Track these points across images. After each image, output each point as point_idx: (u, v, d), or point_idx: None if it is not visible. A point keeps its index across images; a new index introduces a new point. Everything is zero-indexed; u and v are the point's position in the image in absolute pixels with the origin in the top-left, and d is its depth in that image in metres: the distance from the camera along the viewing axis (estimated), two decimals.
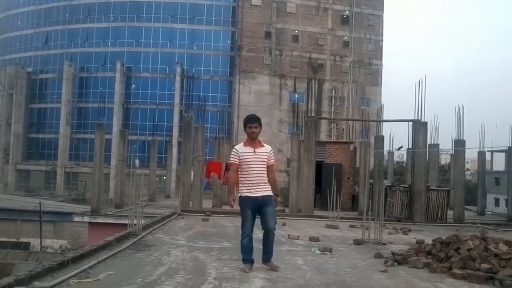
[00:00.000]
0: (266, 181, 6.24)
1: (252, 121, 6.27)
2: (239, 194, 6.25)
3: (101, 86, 54.30)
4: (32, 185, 54.32)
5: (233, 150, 6.43)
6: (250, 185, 6.15)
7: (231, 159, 6.36)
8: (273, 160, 6.38)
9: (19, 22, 60.27)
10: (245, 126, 6.33)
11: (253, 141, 6.27)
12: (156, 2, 54.45)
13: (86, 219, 19.68)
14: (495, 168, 37.60)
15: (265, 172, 6.26)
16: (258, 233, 6.56)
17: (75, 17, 56.24)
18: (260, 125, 6.33)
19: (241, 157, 6.21)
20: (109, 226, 17.45)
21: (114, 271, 5.95)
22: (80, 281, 5.31)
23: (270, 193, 6.22)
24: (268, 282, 5.65)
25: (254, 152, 6.19)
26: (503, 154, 32.12)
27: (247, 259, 6.21)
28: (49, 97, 57.14)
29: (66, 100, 54.19)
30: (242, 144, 6.37)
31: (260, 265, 6.29)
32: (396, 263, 7.27)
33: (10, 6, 61.06)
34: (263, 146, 6.32)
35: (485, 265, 6.34)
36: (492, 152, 32.75)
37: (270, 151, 6.35)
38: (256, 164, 6.18)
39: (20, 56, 59.30)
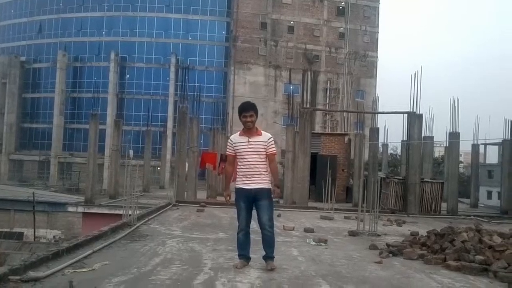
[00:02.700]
0: (263, 173, 5.82)
1: (247, 110, 5.81)
2: (235, 186, 5.99)
3: (95, 76, 53.89)
4: (25, 175, 54.01)
5: (228, 141, 6.06)
6: (244, 176, 5.81)
7: (227, 150, 6.05)
8: (273, 149, 5.89)
9: (12, 11, 59.59)
10: (240, 115, 5.85)
11: (249, 130, 5.84)
12: None
13: (80, 209, 19.65)
14: (488, 161, 37.86)
15: (262, 163, 5.83)
16: (255, 226, 6.25)
17: (69, 6, 55.65)
18: (256, 113, 5.86)
19: (235, 148, 5.86)
20: (103, 216, 17.43)
21: (109, 261, 5.94)
22: (75, 271, 5.30)
23: (266, 185, 5.83)
24: (264, 273, 5.64)
25: (248, 142, 5.79)
26: (496, 147, 32.35)
27: (241, 255, 5.93)
28: (43, 86, 56.68)
29: (60, 90, 53.74)
30: (237, 134, 5.98)
31: (258, 256, 6.09)
32: (390, 255, 7.31)
33: None
34: (260, 135, 5.86)
35: (479, 257, 6.38)
36: (485, 145, 32.94)
37: (268, 139, 5.85)
38: (250, 155, 5.77)
39: (14, 45, 58.70)
